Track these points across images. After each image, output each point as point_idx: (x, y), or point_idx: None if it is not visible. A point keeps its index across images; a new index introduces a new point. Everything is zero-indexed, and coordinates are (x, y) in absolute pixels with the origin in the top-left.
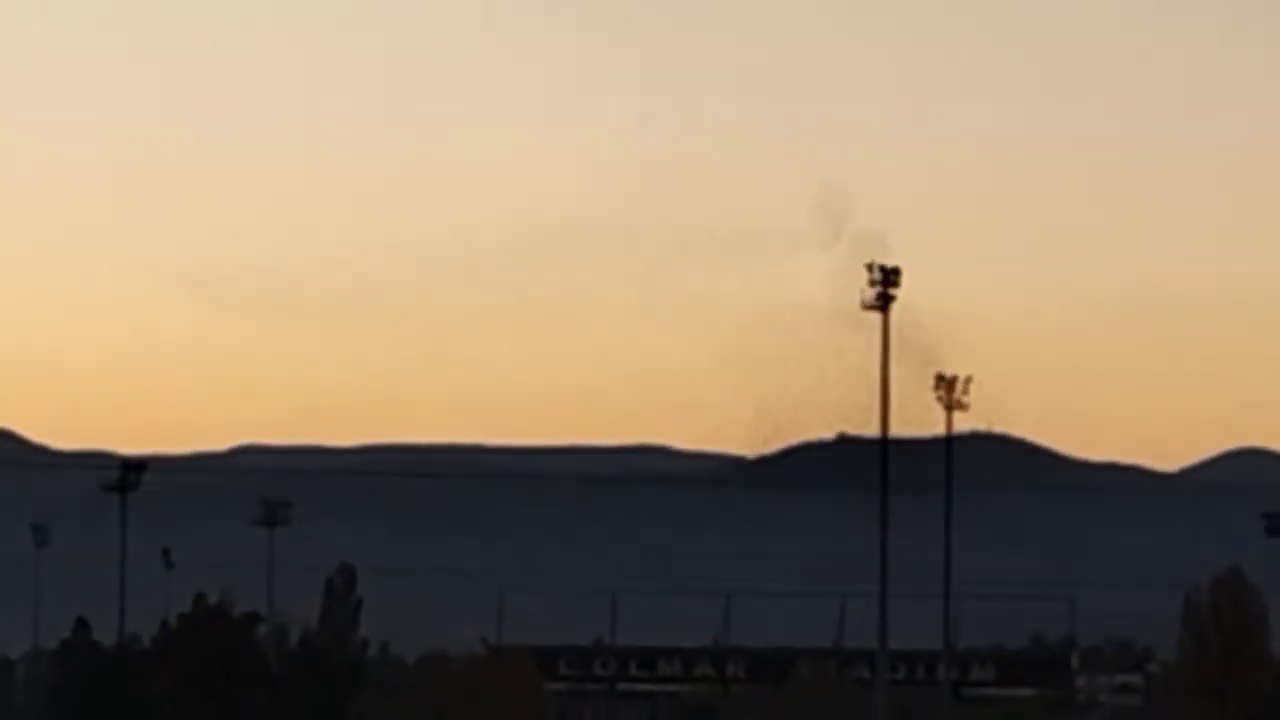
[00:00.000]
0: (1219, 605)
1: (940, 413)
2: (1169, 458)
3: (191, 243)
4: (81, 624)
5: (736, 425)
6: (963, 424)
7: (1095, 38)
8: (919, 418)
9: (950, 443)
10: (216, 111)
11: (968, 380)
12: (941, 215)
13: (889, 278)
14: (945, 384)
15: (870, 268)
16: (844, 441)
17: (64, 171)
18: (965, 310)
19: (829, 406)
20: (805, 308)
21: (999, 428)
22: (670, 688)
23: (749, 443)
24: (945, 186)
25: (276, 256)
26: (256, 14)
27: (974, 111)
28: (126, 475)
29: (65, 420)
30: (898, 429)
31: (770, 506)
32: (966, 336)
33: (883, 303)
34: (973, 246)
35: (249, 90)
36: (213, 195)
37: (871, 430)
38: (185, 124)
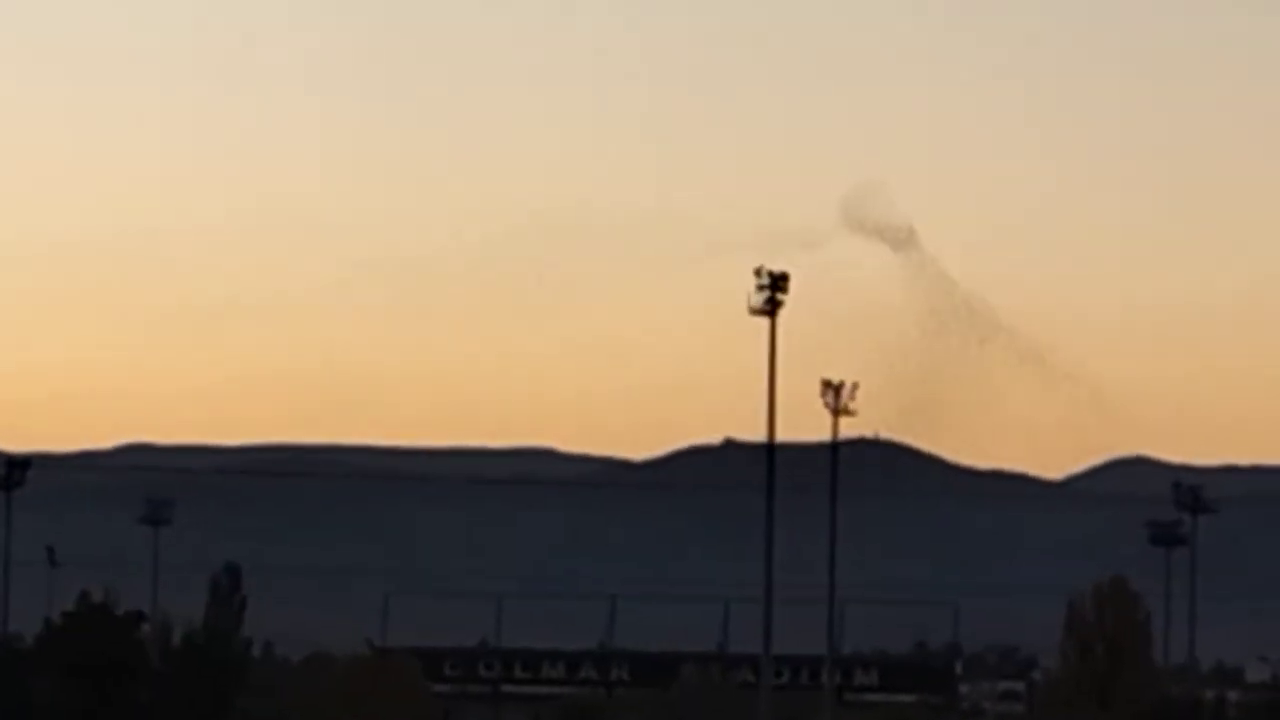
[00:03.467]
0: (1102, 613)
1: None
2: (1053, 465)
3: (83, 240)
4: None
5: (622, 428)
6: (849, 429)
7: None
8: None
9: (836, 448)
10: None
11: (855, 386)
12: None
13: (776, 283)
14: (833, 390)
15: (759, 273)
16: (730, 445)
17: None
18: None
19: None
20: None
21: (885, 434)
22: (554, 690)
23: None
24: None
25: (166, 257)
26: None
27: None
28: (11, 473)
29: None
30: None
31: (655, 510)
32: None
33: (771, 308)
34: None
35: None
36: (117, 193)
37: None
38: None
